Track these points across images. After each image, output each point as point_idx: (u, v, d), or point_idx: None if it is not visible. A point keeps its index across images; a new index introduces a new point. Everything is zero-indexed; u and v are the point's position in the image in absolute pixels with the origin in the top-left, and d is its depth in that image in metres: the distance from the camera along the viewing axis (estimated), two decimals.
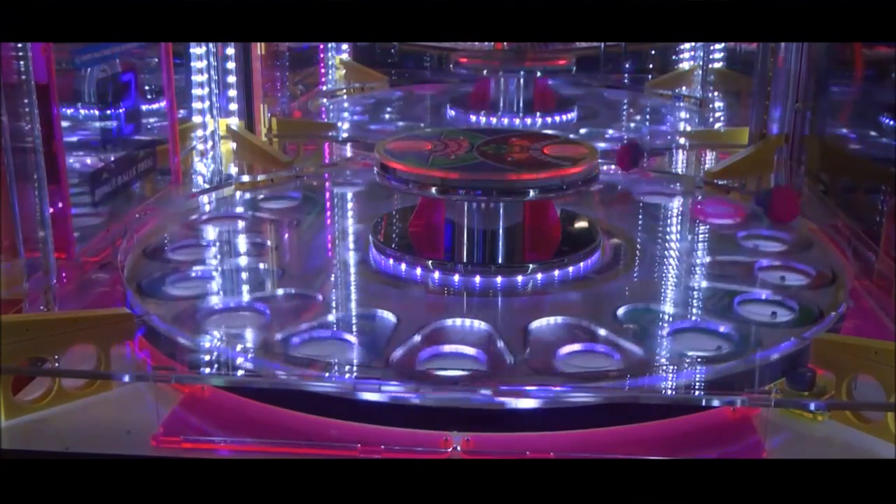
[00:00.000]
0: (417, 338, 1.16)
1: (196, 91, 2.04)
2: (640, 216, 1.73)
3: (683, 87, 2.80)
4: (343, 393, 1.04)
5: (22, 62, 1.23)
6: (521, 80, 2.46)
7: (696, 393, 1.06)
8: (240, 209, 1.73)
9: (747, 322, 1.21)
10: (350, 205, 1.84)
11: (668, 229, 1.70)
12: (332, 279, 1.42)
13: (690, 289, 1.36)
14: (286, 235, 1.61)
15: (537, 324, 1.21)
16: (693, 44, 2.86)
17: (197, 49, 2.01)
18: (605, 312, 1.24)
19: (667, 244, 1.56)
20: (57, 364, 1.09)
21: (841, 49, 2.04)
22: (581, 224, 1.56)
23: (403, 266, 1.39)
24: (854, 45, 1.99)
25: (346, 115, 2.66)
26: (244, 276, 1.41)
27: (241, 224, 1.65)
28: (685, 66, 2.90)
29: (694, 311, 1.27)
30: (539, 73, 2.50)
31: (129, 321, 1.16)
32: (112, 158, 1.72)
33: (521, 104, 2.47)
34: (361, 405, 1.03)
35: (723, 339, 1.18)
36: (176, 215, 1.66)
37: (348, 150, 2.29)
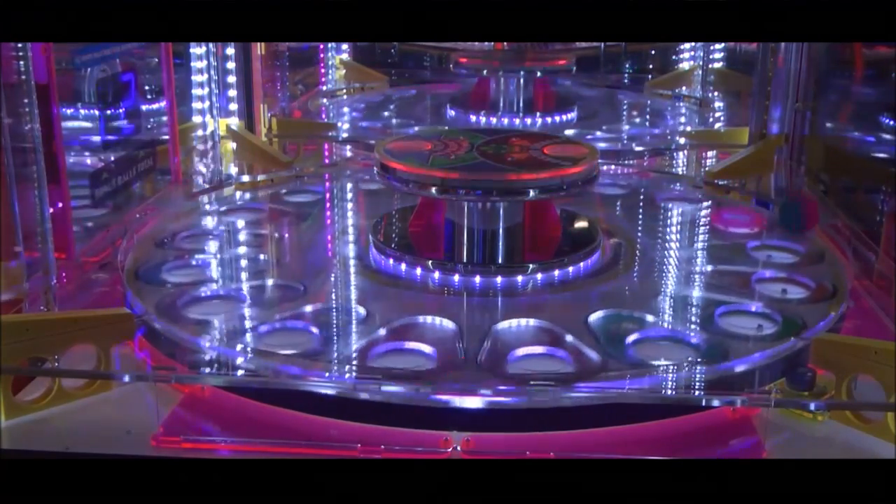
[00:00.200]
0: (382, 332, 1.18)
1: (196, 91, 2.04)
2: (647, 220, 1.73)
3: (683, 87, 2.80)
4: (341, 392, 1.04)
5: (22, 62, 1.23)
6: (521, 80, 2.46)
7: (696, 393, 1.06)
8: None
9: (722, 334, 1.19)
10: (350, 205, 1.84)
11: (676, 236, 1.67)
12: (332, 278, 1.42)
13: (674, 297, 1.33)
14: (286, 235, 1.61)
15: (503, 325, 1.21)
16: (693, 44, 2.86)
17: (197, 49, 2.02)
18: (576, 318, 1.22)
19: (667, 251, 1.53)
20: (57, 364, 1.09)
21: (841, 49, 2.04)
22: (581, 224, 1.56)
23: (403, 266, 1.39)
24: (854, 45, 1.99)
25: (346, 115, 2.66)
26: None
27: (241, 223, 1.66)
28: (685, 66, 2.90)
29: (669, 319, 1.24)
30: (539, 73, 2.50)
31: (129, 321, 1.16)
32: (112, 158, 1.72)
33: (521, 104, 2.47)
34: (361, 405, 1.04)
35: (692, 350, 1.16)
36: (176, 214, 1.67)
37: (348, 150, 2.30)
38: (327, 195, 1.88)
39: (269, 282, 1.38)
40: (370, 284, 1.37)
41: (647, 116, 2.64)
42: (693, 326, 1.21)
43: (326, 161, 2.26)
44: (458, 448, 1.00)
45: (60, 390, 1.08)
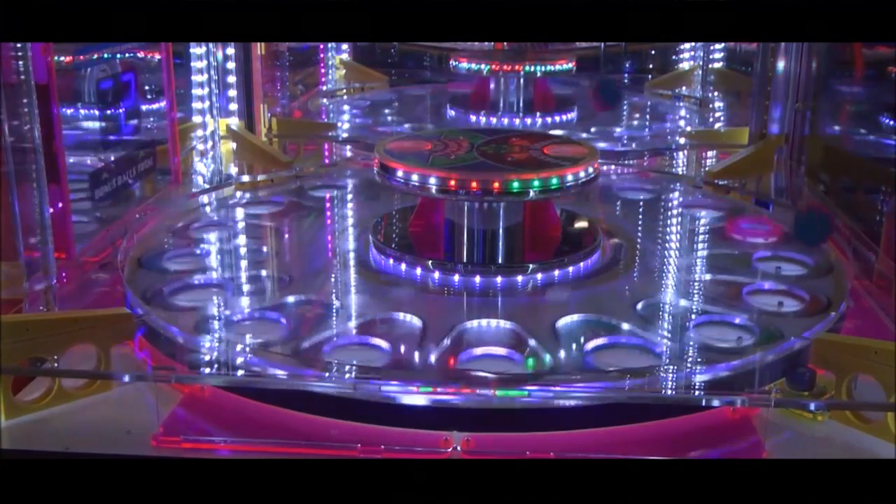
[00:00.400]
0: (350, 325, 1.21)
1: (196, 91, 2.04)
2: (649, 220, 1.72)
3: (683, 87, 2.80)
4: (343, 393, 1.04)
5: (22, 62, 1.23)
6: (521, 80, 2.46)
7: (696, 393, 1.06)
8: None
9: (693, 342, 1.17)
10: (350, 205, 1.84)
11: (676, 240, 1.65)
12: (332, 279, 1.42)
13: (655, 304, 1.30)
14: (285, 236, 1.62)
15: (469, 324, 1.21)
16: (693, 44, 2.86)
17: (197, 49, 2.01)
18: (543, 323, 1.21)
19: (667, 259, 1.51)
20: (57, 364, 1.09)
21: (841, 49, 2.04)
22: (581, 224, 1.56)
23: (403, 266, 1.39)
24: (854, 45, 1.99)
25: (346, 115, 2.66)
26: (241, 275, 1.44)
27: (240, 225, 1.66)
28: (685, 66, 2.90)
29: (640, 325, 1.21)
30: (539, 73, 2.50)
31: (129, 321, 1.16)
32: (112, 158, 1.72)
33: (521, 104, 2.47)
34: (361, 405, 1.04)
35: (655, 357, 1.14)
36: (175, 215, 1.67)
37: (348, 150, 2.30)
38: (327, 195, 1.88)
39: (263, 276, 1.40)
40: (369, 283, 1.37)
41: (647, 116, 2.64)
42: (664, 336, 1.18)
43: (326, 161, 2.26)
44: (458, 448, 1.00)
45: (60, 390, 1.08)
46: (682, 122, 2.56)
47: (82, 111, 1.77)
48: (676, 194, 1.88)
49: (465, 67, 2.51)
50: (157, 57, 1.87)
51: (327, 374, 1.06)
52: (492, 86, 2.51)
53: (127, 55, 1.98)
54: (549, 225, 1.48)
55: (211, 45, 2.03)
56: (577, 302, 1.30)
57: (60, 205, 1.36)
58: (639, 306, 1.27)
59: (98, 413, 1.07)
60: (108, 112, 1.80)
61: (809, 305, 1.28)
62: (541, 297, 1.35)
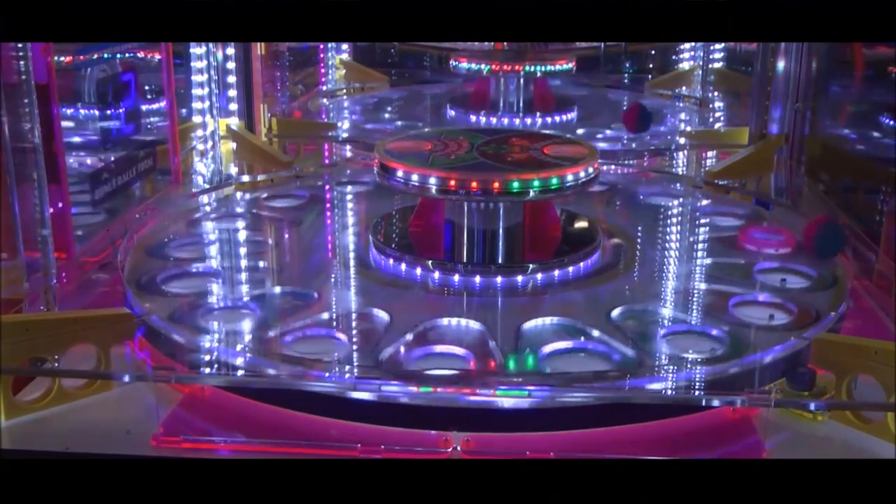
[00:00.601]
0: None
1: (196, 91, 2.04)
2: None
3: (683, 87, 2.80)
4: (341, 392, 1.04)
5: (22, 62, 1.23)
6: (521, 80, 2.46)
7: (696, 393, 1.06)
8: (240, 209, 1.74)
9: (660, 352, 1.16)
10: (350, 205, 1.84)
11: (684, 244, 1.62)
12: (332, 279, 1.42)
13: (631, 311, 1.26)
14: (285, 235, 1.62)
15: (433, 323, 1.22)
16: (693, 44, 2.86)
17: (197, 49, 2.01)
18: (508, 327, 1.20)
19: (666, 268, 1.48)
20: (57, 364, 1.09)
21: (841, 49, 2.04)
22: (581, 224, 1.56)
23: (403, 266, 1.39)
24: (854, 45, 1.99)
25: (346, 115, 2.66)
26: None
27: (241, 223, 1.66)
28: (685, 66, 2.90)
29: (608, 332, 1.19)
30: (539, 73, 2.50)
31: (129, 321, 1.16)
32: (112, 158, 1.72)
33: (521, 104, 2.47)
34: (361, 405, 1.04)
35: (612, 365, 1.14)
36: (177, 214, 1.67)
37: (348, 150, 2.30)
38: (327, 195, 1.88)
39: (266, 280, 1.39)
40: (369, 283, 1.37)
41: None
42: (631, 345, 1.16)
43: (326, 161, 2.26)
44: (458, 448, 1.00)
45: (60, 390, 1.08)
46: (682, 121, 2.56)
47: (82, 111, 1.78)
48: (691, 199, 1.84)
49: (465, 67, 2.51)
50: (157, 57, 1.87)
51: (327, 374, 1.07)
52: (492, 86, 2.51)
53: (127, 55, 1.99)
54: (549, 225, 1.48)
55: (211, 45, 2.03)
56: (551, 305, 1.29)
57: (60, 205, 1.36)
58: (614, 313, 1.24)
59: (98, 413, 1.07)
60: (108, 112, 1.80)
61: (797, 319, 1.23)
62: (515, 300, 1.33)
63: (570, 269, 1.39)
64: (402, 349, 1.14)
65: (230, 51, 2.09)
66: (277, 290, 1.35)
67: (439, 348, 1.16)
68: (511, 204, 1.39)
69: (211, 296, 1.31)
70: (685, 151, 2.30)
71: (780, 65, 2.04)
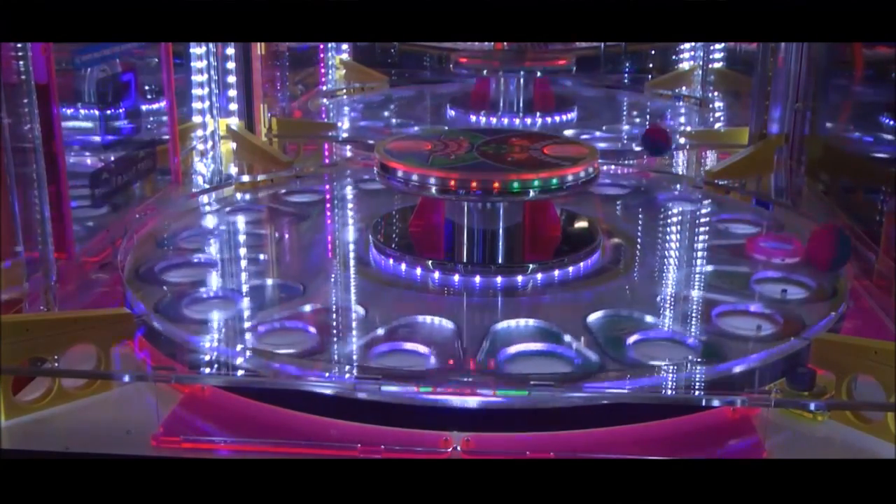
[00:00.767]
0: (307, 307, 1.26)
1: (196, 91, 2.04)
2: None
3: (683, 87, 2.80)
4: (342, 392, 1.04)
5: (22, 62, 1.23)
6: (521, 80, 2.46)
7: (696, 393, 1.06)
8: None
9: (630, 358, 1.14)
10: (350, 205, 1.84)
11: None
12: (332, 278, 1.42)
13: (608, 315, 1.25)
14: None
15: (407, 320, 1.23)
16: (693, 44, 2.86)
17: (197, 49, 2.01)
18: (483, 324, 1.21)
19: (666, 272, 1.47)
20: (57, 364, 1.09)
21: (841, 49, 2.04)
22: (581, 224, 1.56)
23: (403, 266, 1.39)
24: (854, 45, 1.99)
25: (346, 115, 2.66)
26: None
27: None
28: (685, 66, 2.90)
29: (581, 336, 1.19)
30: (539, 73, 2.50)
31: (129, 321, 1.16)
32: (112, 158, 1.72)
33: (521, 104, 2.47)
34: (361, 405, 1.04)
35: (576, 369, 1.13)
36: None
37: (348, 150, 2.29)
38: (327, 195, 1.88)
39: (267, 279, 1.40)
40: (367, 283, 1.37)
41: (647, 116, 2.64)
42: (599, 350, 1.15)
43: (326, 161, 2.26)
44: (458, 448, 1.00)
45: (60, 390, 1.08)
46: (682, 121, 2.56)
47: (82, 111, 1.77)
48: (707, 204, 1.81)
49: (465, 67, 2.51)
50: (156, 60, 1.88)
51: (327, 374, 1.07)
52: (492, 86, 2.51)
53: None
54: (549, 225, 1.48)
55: (211, 45, 2.03)
56: (530, 307, 1.29)
57: (60, 205, 1.36)
58: (590, 318, 1.23)
59: (98, 413, 1.07)
60: (109, 112, 1.79)
61: (782, 329, 1.21)
62: (490, 300, 1.33)
63: (570, 269, 1.39)
64: (368, 344, 1.15)
65: (230, 51, 2.09)
66: (269, 282, 1.38)
67: (407, 345, 1.16)
68: (511, 204, 1.39)
69: (201, 286, 1.33)
70: (685, 151, 2.30)
71: (781, 65, 2.04)
